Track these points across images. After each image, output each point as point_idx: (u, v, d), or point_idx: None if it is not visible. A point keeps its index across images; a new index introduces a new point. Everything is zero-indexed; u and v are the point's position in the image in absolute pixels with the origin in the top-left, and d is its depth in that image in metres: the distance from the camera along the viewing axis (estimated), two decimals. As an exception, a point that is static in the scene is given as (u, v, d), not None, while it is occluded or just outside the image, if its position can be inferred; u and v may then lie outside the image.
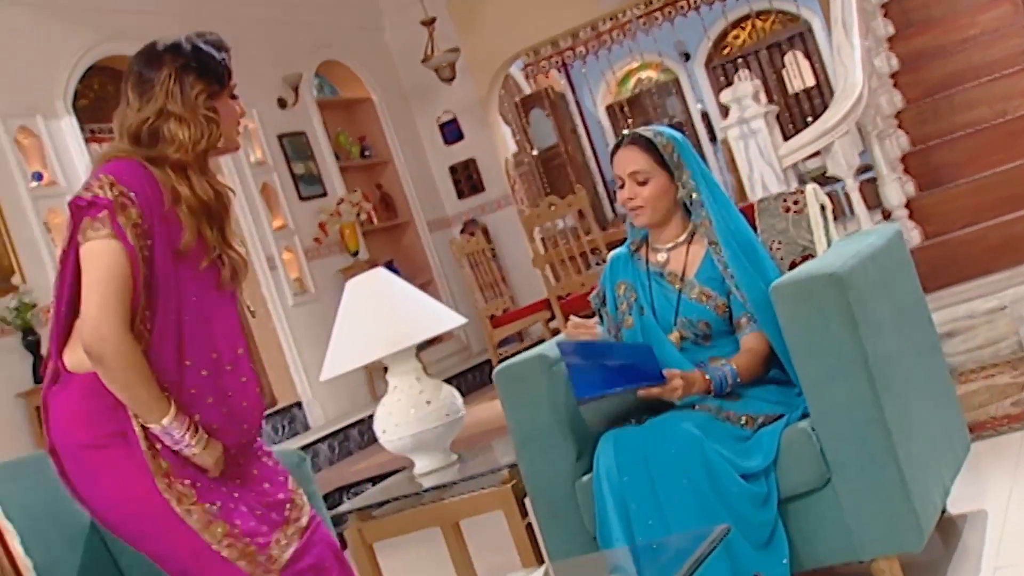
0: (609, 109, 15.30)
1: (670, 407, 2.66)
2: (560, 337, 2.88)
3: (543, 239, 8.38)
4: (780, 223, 3.09)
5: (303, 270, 8.56)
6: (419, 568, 3.99)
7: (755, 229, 3.07)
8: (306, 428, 7.95)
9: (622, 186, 2.87)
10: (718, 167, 12.67)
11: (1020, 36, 6.33)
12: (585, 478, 2.77)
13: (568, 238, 7.85)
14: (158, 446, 2.23)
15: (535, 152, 12.76)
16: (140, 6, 7.64)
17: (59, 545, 2.72)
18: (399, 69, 10.44)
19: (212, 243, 2.32)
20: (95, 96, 7.74)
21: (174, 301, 2.26)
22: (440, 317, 3.40)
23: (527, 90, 13.40)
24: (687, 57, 14.88)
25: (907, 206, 5.65)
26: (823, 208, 3.09)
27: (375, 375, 8.21)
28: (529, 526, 3.06)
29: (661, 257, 2.88)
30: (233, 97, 2.42)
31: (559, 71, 13.83)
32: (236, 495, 2.31)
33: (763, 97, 5.62)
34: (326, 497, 5.90)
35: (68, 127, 7.04)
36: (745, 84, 5.30)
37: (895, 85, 6.39)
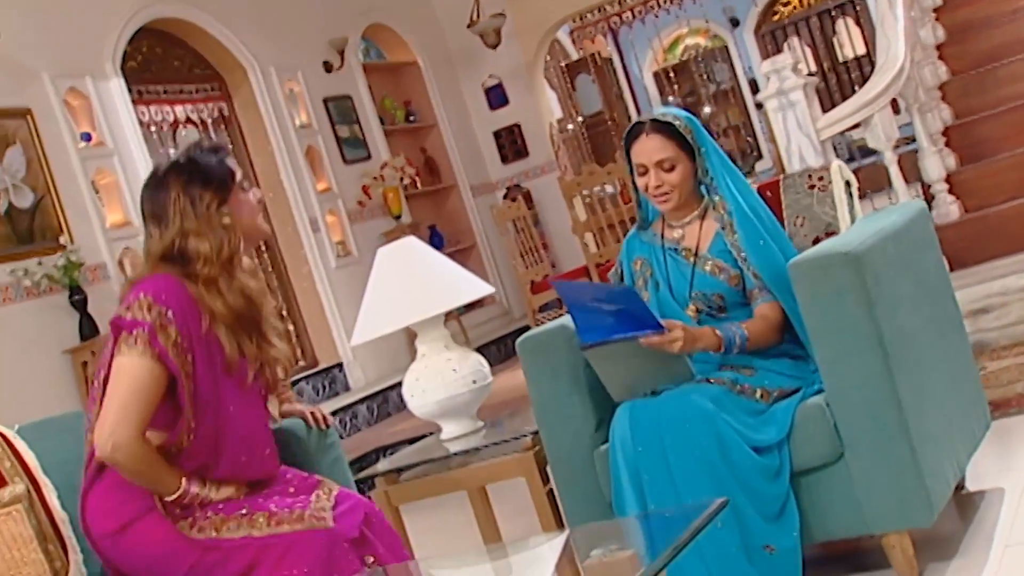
0: (656, 76, 15.22)
1: (686, 380, 2.70)
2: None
3: (588, 204, 8.39)
4: (805, 199, 3.11)
5: (346, 233, 8.66)
6: (443, 530, 4.08)
7: (780, 204, 3.10)
8: (346, 389, 8.07)
9: (643, 173, 2.86)
10: (764, 136, 12.59)
11: (1071, 8, 6.26)
12: (603, 447, 2.82)
13: (608, 205, 7.87)
14: (177, 511, 2.42)
15: (580, 118, 12.74)
16: (189, -31, 7.74)
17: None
18: (445, 33, 10.46)
19: (253, 356, 2.47)
20: (143, 58, 7.85)
21: (212, 414, 2.42)
22: (469, 285, 3.45)
23: (574, 55, 13.37)
24: (736, 23, 14.76)
25: (947, 180, 5.62)
26: (848, 185, 3.11)
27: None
28: (550, 492, 3.13)
29: (677, 233, 2.92)
30: (245, 190, 2.54)
31: (604, 37, 13.78)
32: (261, 498, 2.48)
33: (804, 68, 5.60)
34: (363, 458, 6.04)
35: (117, 88, 7.16)
36: (784, 55, 5.29)
37: (940, 57, 6.34)
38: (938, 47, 6.40)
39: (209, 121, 8.25)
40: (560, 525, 3.09)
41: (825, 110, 5.44)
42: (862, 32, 14.15)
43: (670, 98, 14.80)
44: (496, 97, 10.48)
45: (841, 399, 2.62)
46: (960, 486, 3.13)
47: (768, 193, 3.14)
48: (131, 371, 2.36)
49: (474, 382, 3.36)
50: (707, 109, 14.72)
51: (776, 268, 2.77)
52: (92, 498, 2.49)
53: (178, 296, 2.40)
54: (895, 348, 2.62)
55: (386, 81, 10.09)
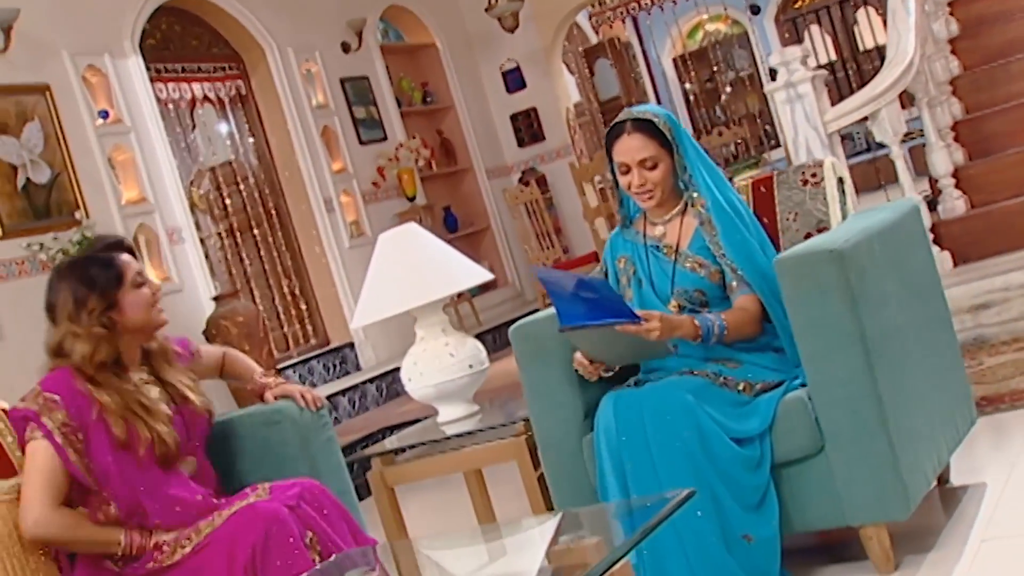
0: (675, 61, 15.22)
1: (666, 355, 2.76)
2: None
3: (600, 190, 8.42)
4: (798, 195, 3.16)
5: (360, 213, 8.73)
6: (440, 510, 4.16)
7: (773, 200, 3.15)
8: (357, 368, 8.15)
9: (626, 172, 2.92)
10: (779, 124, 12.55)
11: (1086, 3, 6.24)
12: (591, 435, 2.88)
13: (620, 192, 7.89)
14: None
15: (596, 103, 12.77)
16: (208, -52, 7.81)
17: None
18: (464, 16, 10.51)
19: (145, 438, 2.61)
20: (162, 36, 7.93)
21: (120, 484, 2.58)
22: (467, 272, 3.51)
23: (594, 40, 13.38)
24: (756, 11, 14.72)
25: (955, 175, 5.64)
26: (840, 182, 3.16)
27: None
28: (541, 476, 3.19)
29: (658, 231, 2.97)
30: (138, 285, 2.70)
31: (623, 22, 13.78)
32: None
33: (812, 60, 5.62)
34: (370, 436, 6.14)
35: (134, 66, 7.24)
36: (793, 48, 5.32)
37: (952, 51, 6.33)
38: (951, 41, 6.39)
39: (226, 100, 8.32)
40: (551, 509, 3.15)
41: (844, 100, 5.47)
42: (883, 21, 14.08)
43: (686, 84, 14.80)
44: (514, 80, 10.53)
45: (822, 393, 2.68)
46: (945, 480, 3.18)
47: (762, 188, 3.19)
48: (33, 455, 2.56)
49: (470, 367, 3.43)
50: (727, 89, 14.72)
51: (753, 262, 2.83)
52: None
53: (68, 386, 2.61)
54: (877, 345, 2.67)
55: (404, 62, 10.15)
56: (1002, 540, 2.74)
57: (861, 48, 14.28)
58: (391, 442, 3.55)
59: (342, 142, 8.76)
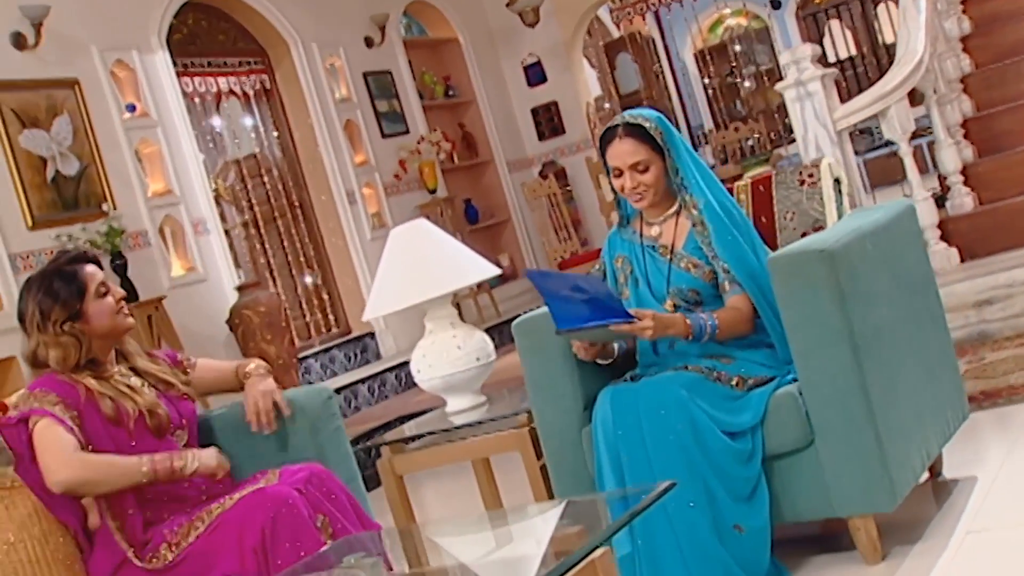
0: (696, 56, 15.25)
1: (665, 366, 2.87)
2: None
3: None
4: (795, 195, 3.25)
5: (382, 205, 8.86)
6: (448, 498, 4.27)
7: (772, 199, 3.25)
8: (377, 357, 8.29)
9: (619, 175, 3.02)
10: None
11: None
12: (590, 427, 2.98)
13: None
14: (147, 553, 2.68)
15: (617, 97, 12.83)
16: (234, -55, 7.94)
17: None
18: (486, 11, 10.60)
19: (131, 408, 2.78)
20: (189, 31, 8.07)
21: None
22: (475, 267, 3.62)
23: (616, 34, 13.44)
24: (777, 5, 14.74)
25: (963, 172, 5.70)
26: (837, 182, 3.25)
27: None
28: (544, 466, 3.30)
29: (655, 231, 3.07)
30: (102, 295, 2.84)
31: (644, 17, 13.83)
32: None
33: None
34: (387, 424, 6.26)
35: (161, 61, 7.39)
36: (804, 46, 5.40)
37: (965, 49, 6.38)
38: (963, 39, 6.44)
39: (251, 94, 8.46)
40: (552, 497, 3.26)
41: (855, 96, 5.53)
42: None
43: (706, 79, 14.82)
44: (535, 74, 10.63)
45: (813, 389, 2.77)
46: (937, 472, 3.27)
47: (761, 188, 3.29)
48: (41, 434, 2.67)
49: (477, 359, 3.53)
50: (747, 84, 14.72)
51: (744, 263, 2.92)
52: (91, 564, 2.75)
53: (54, 381, 2.77)
54: (867, 342, 2.76)
55: (426, 57, 10.26)
56: (986, 533, 2.82)
57: (881, 43, 14.28)
58: (399, 432, 3.66)
59: (365, 135, 8.88)
